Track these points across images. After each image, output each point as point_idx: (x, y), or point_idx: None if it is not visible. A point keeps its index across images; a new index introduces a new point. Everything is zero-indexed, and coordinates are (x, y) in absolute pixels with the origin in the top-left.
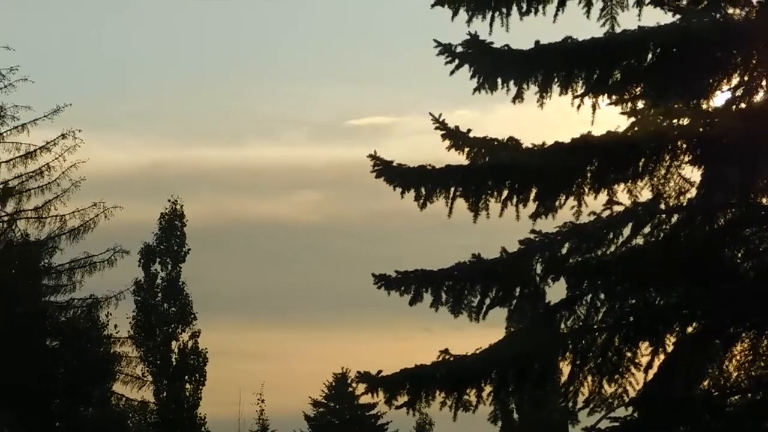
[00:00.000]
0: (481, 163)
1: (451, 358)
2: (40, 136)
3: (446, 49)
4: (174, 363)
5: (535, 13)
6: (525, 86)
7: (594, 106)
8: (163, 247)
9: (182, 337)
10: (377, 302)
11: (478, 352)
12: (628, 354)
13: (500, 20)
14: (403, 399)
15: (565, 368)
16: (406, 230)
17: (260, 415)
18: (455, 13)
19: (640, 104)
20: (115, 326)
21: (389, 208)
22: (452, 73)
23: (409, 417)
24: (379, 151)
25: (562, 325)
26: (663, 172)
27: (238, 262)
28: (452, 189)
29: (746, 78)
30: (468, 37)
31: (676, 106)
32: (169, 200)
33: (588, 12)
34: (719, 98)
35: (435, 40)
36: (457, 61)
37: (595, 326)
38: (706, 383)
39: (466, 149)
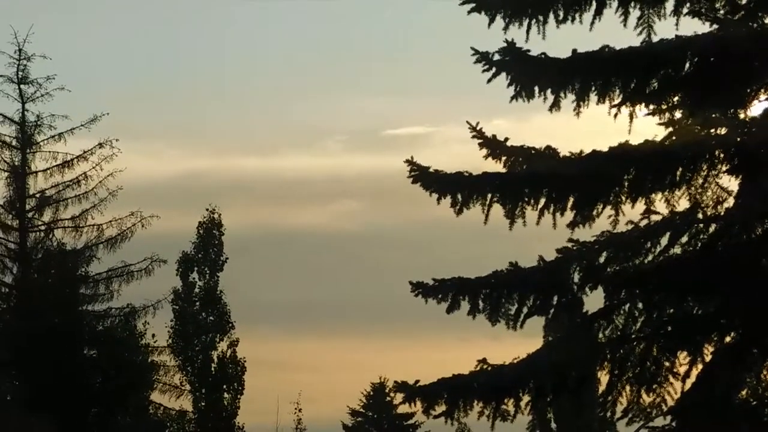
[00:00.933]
0: (519, 171)
1: (489, 368)
2: (77, 146)
3: (483, 57)
4: (212, 372)
5: (572, 21)
6: (562, 95)
7: (631, 115)
8: (201, 256)
9: (220, 346)
10: (414, 311)
11: (515, 361)
12: (667, 363)
13: (537, 28)
14: (440, 408)
15: (603, 378)
16: (443, 239)
17: (297, 424)
18: (492, 20)
19: (678, 114)
20: (153, 335)
21: (426, 217)
22: (489, 81)
23: (447, 426)
24: (417, 160)
25: (600, 335)
26: (700, 181)
27: (275, 271)
28: (489, 196)
29: None
30: (505, 44)
31: (713, 115)
32: (207, 209)
33: (625, 20)
34: (757, 108)
35: (472, 48)
36: (494, 69)
37: (633, 336)
38: (744, 392)
39: (504, 158)
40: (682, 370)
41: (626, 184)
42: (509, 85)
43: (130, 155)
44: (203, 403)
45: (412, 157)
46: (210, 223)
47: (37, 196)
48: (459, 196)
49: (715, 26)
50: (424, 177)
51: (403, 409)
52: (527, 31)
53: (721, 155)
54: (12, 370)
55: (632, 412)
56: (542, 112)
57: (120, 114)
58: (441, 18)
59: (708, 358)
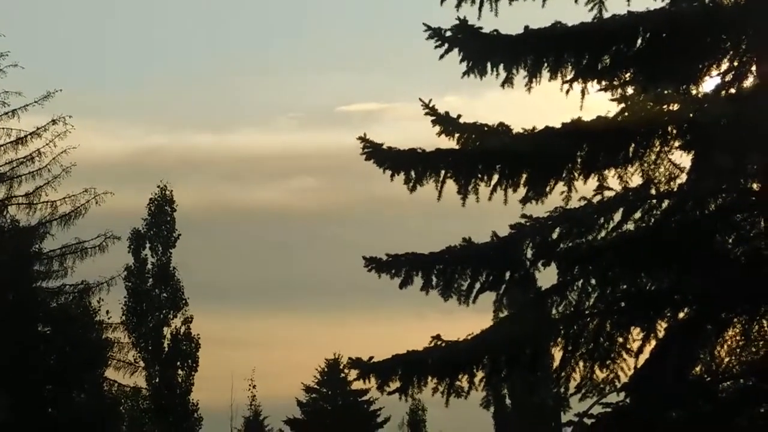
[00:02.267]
0: (472, 148)
1: (443, 344)
2: (30, 122)
3: (436, 33)
4: (166, 349)
5: None
6: (514, 71)
7: (583, 92)
8: (153, 233)
9: (174, 322)
10: (369, 288)
11: (469, 337)
12: (620, 339)
13: (489, 5)
14: (395, 385)
15: (557, 354)
16: (396, 216)
17: (252, 401)
18: None
19: (630, 90)
20: (107, 312)
21: (380, 194)
22: (442, 57)
23: (401, 403)
24: (370, 137)
25: (554, 311)
26: (653, 157)
27: (229, 248)
28: (442, 172)
29: (736, 63)
30: (457, 21)
31: (665, 91)
32: (158, 186)
33: None
34: (709, 83)
35: (424, 24)
36: (446, 46)
37: (586, 311)
38: (698, 369)
39: (457, 135)
40: (636, 346)
41: (579, 160)
42: (461, 61)
43: (84, 132)
44: (157, 380)
45: (365, 134)
46: (161, 199)
47: None
48: (412, 173)
49: (666, 2)
50: (377, 154)
51: (357, 385)
52: (479, 9)
53: (674, 131)
54: None
55: (586, 388)
56: (494, 89)
57: (73, 91)
58: None
59: (661, 334)
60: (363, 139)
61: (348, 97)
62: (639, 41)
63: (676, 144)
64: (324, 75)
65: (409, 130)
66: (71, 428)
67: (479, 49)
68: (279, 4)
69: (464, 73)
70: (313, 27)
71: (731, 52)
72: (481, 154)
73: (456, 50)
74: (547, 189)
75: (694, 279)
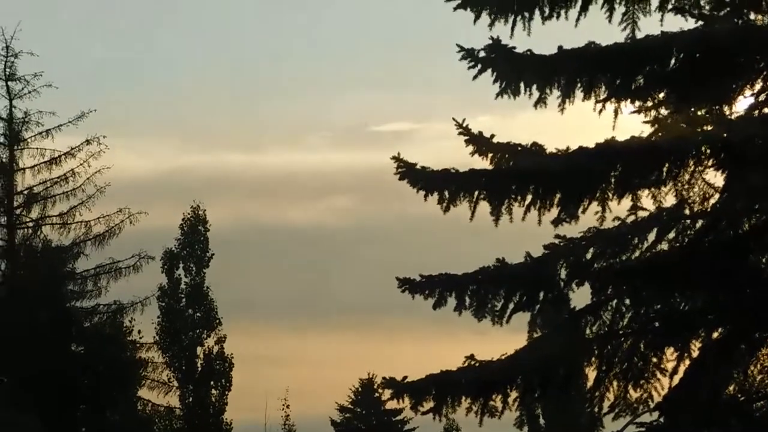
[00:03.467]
0: (505, 168)
1: (477, 364)
2: (64, 142)
3: (469, 54)
4: (199, 368)
5: (557, 17)
6: (548, 91)
7: (616, 112)
8: (186, 253)
9: (207, 342)
10: (402, 307)
11: (503, 357)
12: (654, 359)
13: (522, 24)
14: (429, 405)
15: (591, 373)
16: (430, 235)
17: (286, 420)
18: (477, 17)
19: (663, 111)
20: (139, 332)
21: (413, 213)
22: (475, 77)
23: (435, 422)
24: (403, 157)
25: (588, 331)
26: (687, 177)
27: (262, 267)
28: (476, 192)
29: None
30: (490, 41)
31: (699, 112)
32: (191, 206)
33: (610, 17)
34: (742, 103)
35: (458, 45)
36: (479, 66)
37: (620, 331)
38: (731, 388)
39: (490, 154)
40: (670, 365)
41: (612, 180)
42: (495, 81)
43: (117, 152)
44: (191, 400)
45: (399, 154)
46: (194, 219)
47: (25, 192)
48: (446, 193)
49: (700, 23)
50: (410, 174)
51: (391, 405)
52: (512, 28)
53: (707, 151)
54: None
55: (619, 408)
56: (527, 109)
57: (107, 111)
58: (426, 14)
59: (695, 354)
60: (397, 158)
61: (380, 117)
62: (672, 61)
63: (710, 164)
64: (356, 94)
65: (441, 149)
66: None
67: (512, 70)
68: (311, 23)
69: (497, 94)
70: (345, 45)
71: (764, 72)
72: (514, 174)
73: (489, 71)
74: (581, 209)
75: (727, 299)
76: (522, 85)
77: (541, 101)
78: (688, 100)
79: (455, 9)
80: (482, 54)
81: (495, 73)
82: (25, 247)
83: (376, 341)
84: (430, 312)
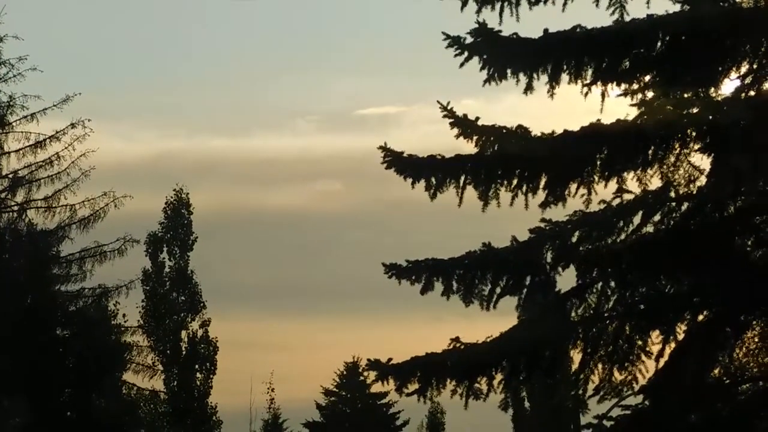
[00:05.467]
0: (491, 153)
1: (462, 346)
2: (49, 126)
3: (455, 42)
4: (184, 352)
5: (545, 2)
6: (535, 76)
7: (603, 95)
8: (170, 236)
9: (192, 326)
10: (387, 292)
11: (488, 340)
12: (639, 342)
13: (510, 10)
14: (413, 387)
15: (576, 356)
16: (416, 220)
17: (271, 404)
18: (464, 4)
19: (650, 94)
20: (124, 315)
21: (399, 197)
22: (462, 65)
23: (420, 405)
24: (388, 140)
25: (573, 314)
26: (673, 160)
27: (246, 252)
28: (462, 178)
29: (755, 66)
30: (476, 25)
31: (685, 95)
32: (174, 189)
33: (597, 1)
34: (728, 86)
35: (444, 33)
36: (466, 54)
37: (605, 314)
38: (717, 371)
39: (475, 137)
40: (655, 348)
41: (598, 163)
42: (482, 69)
43: (103, 135)
44: (175, 383)
45: (385, 143)
46: (177, 202)
47: (10, 176)
48: (433, 180)
49: (686, 6)
50: (397, 162)
51: (376, 388)
52: (500, 14)
53: (693, 134)
54: None
55: (604, 390)
56: (512, 92)
57: (92, 94)
58: None
59: (680, 337)
60: (383, 148)
61: (366, 101)
62: (659, 44)
63: (696, 147)
64: (342, 78)
65: (426, 133)
66: None
67: (499, 56)
68: (295, 8)
69: (485, 81)
70: (331, 30)
71: (750, 55)
72: (500, 159)
73: (476, 58)
74: (567, 192)
75: (713, 282)
76: (509, 71)
77: (529, 88)
78: (674, 82)
79: None
80: (468, 40)
81: (482, 61)
82: (10, 230)
83: (361, 325)
84: (417, 297)
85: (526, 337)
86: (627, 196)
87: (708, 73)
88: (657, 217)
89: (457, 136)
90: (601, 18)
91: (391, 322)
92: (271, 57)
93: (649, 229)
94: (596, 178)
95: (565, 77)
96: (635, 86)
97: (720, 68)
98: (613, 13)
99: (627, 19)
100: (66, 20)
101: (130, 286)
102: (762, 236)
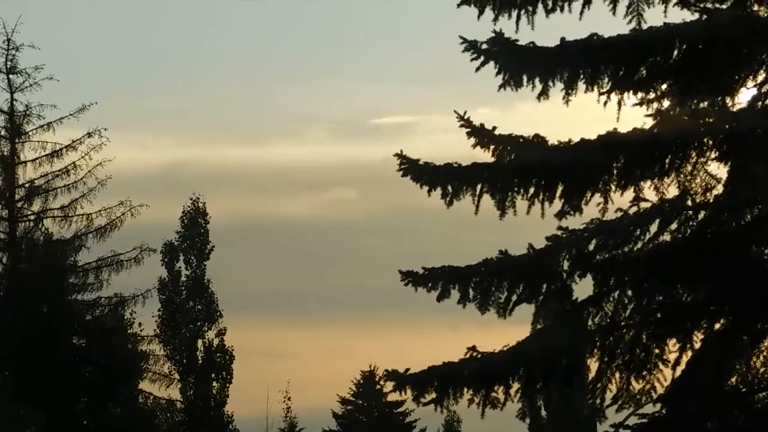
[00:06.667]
0: (508, 161)
1: (479, 355)
2: (65, 135)
3: (472, 46)
4: (200, 361)
5: (561, 10)
6: (551, 83)
7: (619, 103)
8: (186, 245)
9: (208, 335)
10: (403, 301)
11: (505, 349)
12: (656, 350)
13: (526, 18)
14: (430, 396)
15: (593, 365)
16: (431, 228)
17: (287, 413)
18: (481, 12)
19: (666, 102)
20: (140, 324)
21: (414, 205)
22: (477, 69)
23: (437, 414)
24: (403, 148)
25: (590, 322)
26: (689, 168)
27: (263, 260)
28: (479, 187)
29: None
30: (493, 34)
31: (702, 104)
32: (190, 198)
33: (614, 9)
34: (745, 95)
35: (461, 37)
36: (482, 58)
37: (622, 323)
38: (734, 379)
39: (492, 147)
40: (672, 357)
41: (615, 172)
42: (498, 73)
43: (119, 144)
44: (191, 392)
45: (401, 151)
46: (194, 211)
47: (27, 185)
48: (449, 188)
49: (703, 15)
50: (413, 170)
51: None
52: (517, 22)
53: (710, 142)
54: (1, 360)
55: (622, 399)
56: (528, 101)
57: (108, 104)
58: (427, 7)
59: (698, 346)
60: (400, 155)
61: (380, 110)
62: (675, 53)
63: (712, 155)
64: (356, 87)
65: (442, 142)
66: None
67: (515, 62)
68: (310, 16)
69: (500, 86)
70: (345, 38)
71: (767, 64)
72: (516, 168)
73: (492, 63)
74: (583, 201)
75: (730, 290)
76: (525, 77)
77: (543, 93)
78: (690, 91)
79: (459, 5)
80: (485, 46)
81: (498, 66)
82: (26, 240)
83: (377, 334)
84: (432, 306)
85: (543, 345)
86: (644, 205)
87: (724, 82)
88: (674, 226)
89: (474, 146)
90: (618, 27)
91: (406, 331)
92: (285, 65)
93: (666, 237)
94: (613, 187)
95: (581, 85)
96: (651, 95)
97: (736, 77)
98: (630, 21)
99: (644, 27)
100: (82, 29)
101: (146, 295)
102: None
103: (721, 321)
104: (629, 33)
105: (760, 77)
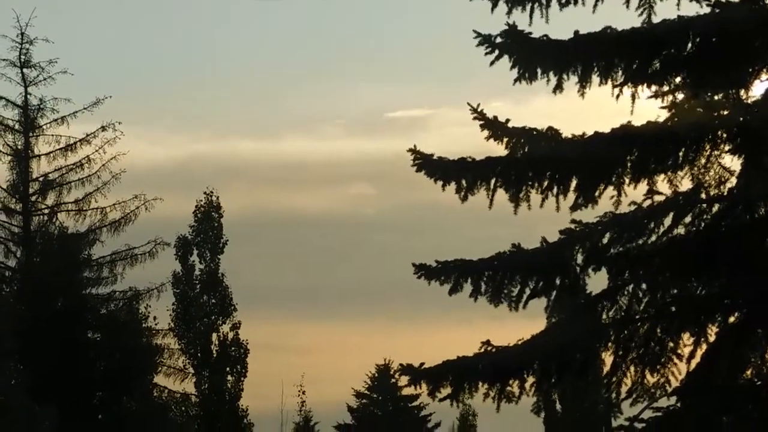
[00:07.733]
0: (522, 155)
1: (493, 350)
2: (80, 129)
3: (486, 40)
4: (215, 355)
5: (575, 3)
6: (565, 76)
7: (633, 96)
8: (200, 239)
9: (222, 328)
10: (417, 295)
11: (519, 343)
12: (671, 344)
13: (540, 11)
14: (446, 391)
15: (608, 359)
16: (445, 222)
17: (302, 407)
18: (494, 5)
19: (680, 95)
20: (155, 318)
21: (428, 200)
22: (492, 63)
23: (452, 408)
24: (416, 143)
25: (604, 316)
26: (703, 161)
27: (277, 254)
28: (493, 181)
29: None
30: (506, 27)
31: (715, 96)
32: (204, 192)
33: (627, 2)
34: (758, 87)
35: (475, 31)
36: (497, 52)
37: (636, 316)
38: (748, 372)
39: (506, 139)
40: (687, 350)
41: (629, 165)
42: (512, 67)
43: (133, 138)
44: (206, 386)
45: (415, 146)
46: (208, 205)
47: (41, 179)
48: (463, 182)
49: (716, 8)
50: (427, 165)
51: (408, 390)
52: (530, 15)
53: (724, 135)
54: (16, 355)
55: (636, 393)
56: (540, 95)
57: (122, 97)
58: (441, 1)
59: (712, 339)
60: (413, 150)
61: (393, 104)
62: (689, 46)
63: (726, 148)
64: (370, 81)
65: (455, 135)
66: None
67: (529, 56)
68: (323, 11)
69: (515, 80)
70: (358, 33)
71: None
72: (530, 161)
73: (506, 57)
74: (597, 194)
75: (744, 283)
76: (539, 70)
77: (558, 87)
78: (704, 84)
79: None
80: (499, 40)
81: (512, 59)
82: (41, 233)
83: (392, 328)
84: (446, 300)
85: (558, 339)
86: (658, 198)
87: (738, 75)
88: (688, 219)
89: (488, 138)
90: (631, 20)
91: (420, 325)
92: (299, 60)
93: (680, 230)
94: (627, 180)
95: (595, 78)
96: (665, 88)
97: (750, 69)
98: (642, 14)
99: (656, 20)
100: (96, 23)
101: (160, 289)
102: None
103: (736, 314)
104: (643, 26)
105: None
